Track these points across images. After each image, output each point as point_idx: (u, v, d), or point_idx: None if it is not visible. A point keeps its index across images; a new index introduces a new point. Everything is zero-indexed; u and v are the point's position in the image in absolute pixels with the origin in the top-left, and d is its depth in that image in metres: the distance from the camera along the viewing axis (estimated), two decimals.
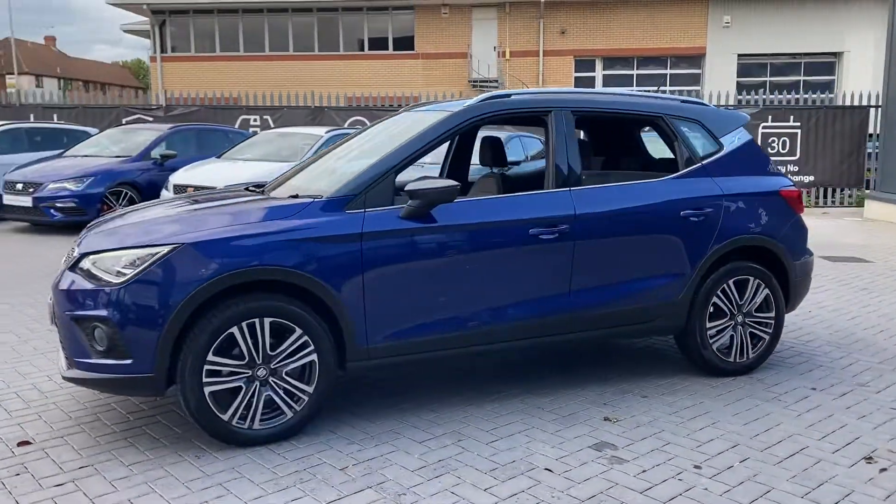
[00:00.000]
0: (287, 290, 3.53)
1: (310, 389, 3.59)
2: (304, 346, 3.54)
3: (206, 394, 3.39)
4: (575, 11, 27.08)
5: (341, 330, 3.61)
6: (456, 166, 5.31)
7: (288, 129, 12.50)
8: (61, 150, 12.49)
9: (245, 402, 3.48)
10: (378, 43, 28.48)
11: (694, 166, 4.56)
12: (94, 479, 3.19)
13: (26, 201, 10.62)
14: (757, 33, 26.48)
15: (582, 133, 5.71)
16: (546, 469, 3.32)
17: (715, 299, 4.46)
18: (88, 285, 3.42)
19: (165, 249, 3.38)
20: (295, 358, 3.54)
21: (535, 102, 4.32)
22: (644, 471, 3.31)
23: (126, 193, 10.88)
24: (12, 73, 69.67)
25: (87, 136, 13.21)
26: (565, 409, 4.06)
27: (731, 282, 4.50)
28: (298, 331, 3.51)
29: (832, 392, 4.35)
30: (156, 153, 11.45)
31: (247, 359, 3.46)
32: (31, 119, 15.57)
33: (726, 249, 4.47)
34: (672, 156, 4.68)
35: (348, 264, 3.59)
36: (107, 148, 11.91)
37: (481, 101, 4.19)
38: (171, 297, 3.31)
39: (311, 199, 3.72)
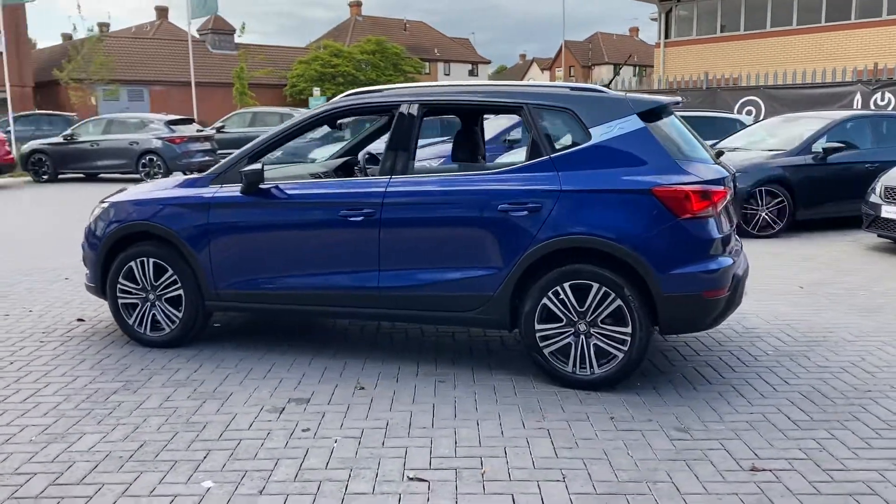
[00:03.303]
0: (163, 240, 4.96)
1: (179, 314, 4.98)
2: (174, 282, 4.94)
3: (120, 304, 5.08)
4: None
5: (196, 275, 4.89)
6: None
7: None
8: (715, 141, 10.67)
9: (141, 315, 5.04)
10: None
11: (539, 159, 4.30)
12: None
13: None
14: None
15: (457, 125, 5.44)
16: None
17: (546, 301, 4.21)
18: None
19: (100, 207, 5.17)
20: (169, 290, 4.97)
21: (385, 97, 4.72)
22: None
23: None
24: (597, 65, 78.54)
25: (742, 125, 12.03)
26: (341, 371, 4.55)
27: (566, 285, 4.16)
28: (170, 270, 4.94)
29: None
30: (818, 146, 9.73)
31: (140, 285, 5.03)
32: None
33: (550, 249, 4.16)
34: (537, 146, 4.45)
35: (200, 226, 4.83)
36: (763, 139, 10.56)
37: (343, 97, 4.83)
38: (103, 236, 5.07)
39: (203, 175, 5.03)
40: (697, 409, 3.98)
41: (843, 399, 4.11)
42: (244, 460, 3.38)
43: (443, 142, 10.92)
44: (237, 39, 45.95)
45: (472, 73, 62.02)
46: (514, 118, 10.60)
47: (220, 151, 17.47)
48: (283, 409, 3.98)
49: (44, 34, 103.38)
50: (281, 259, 4.71)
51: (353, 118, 5.37)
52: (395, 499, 3.03)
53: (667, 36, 30.55)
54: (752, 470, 3.29)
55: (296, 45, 53.91)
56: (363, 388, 4.27)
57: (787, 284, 6.87)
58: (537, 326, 4.25)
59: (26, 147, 18.78)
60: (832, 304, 6.14)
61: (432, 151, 10.30)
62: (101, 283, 5.15)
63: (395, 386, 4.31)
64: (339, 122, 5.34)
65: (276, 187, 4.71)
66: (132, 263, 5.01)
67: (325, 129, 6.77)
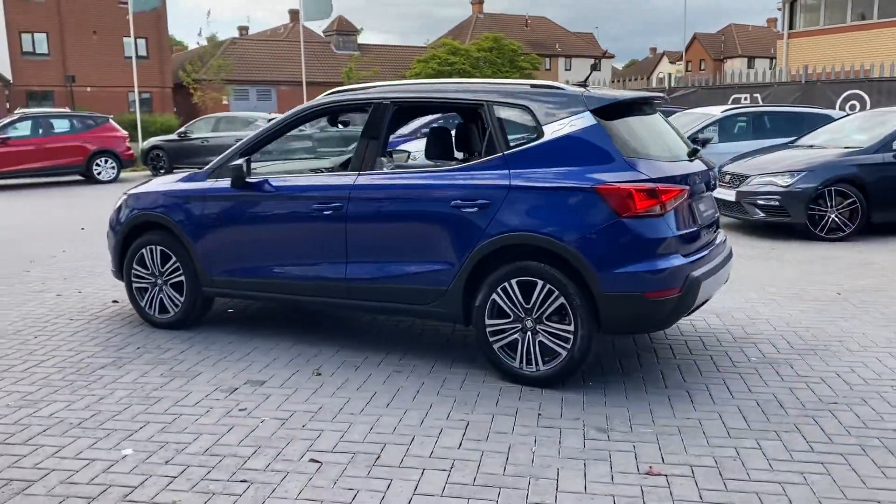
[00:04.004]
0: (167, 230, 5.37)
1: (182, 298, 5.38)
2: (177, 269, 5.35)
3: (134, 288, 5.54)
4: None
5: (194, 263, 5.26)
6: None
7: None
8: (794, 138, 10.64)
9: (151, 298, 5.48)
10: None
11: (493, 155, 4.35)
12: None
13: (730, 195, 9.41)
14: None
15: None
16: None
17: (495, 297, 4.26)
18: None
19: (122, 199, 5.66)
20: (173, 276, 5.37)
21: (358, 95, 4.89)
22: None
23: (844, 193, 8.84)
24: (729, 58, 75.23)
25: (829, 119, 11.36)
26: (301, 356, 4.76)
27: (513, 281, 4.20)
28: (174, 258, 5.34)
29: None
30: None
31: (150, 270, 5.47)
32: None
33: (498, 245, 4.20)
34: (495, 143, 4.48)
35: (195, 216, 5.20)
36: (845, 136, 9.90)
37: (324, 95, 5.05)
38: (121, 225, 5.55)
39: (203, 170, 5.40)
40: (635, 411, 3.91)
41: (799, 410, 3.91)
42: (172, 433, 3.66)
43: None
44: (360, 40, 47.46)
45: (594, 69, 60.60)
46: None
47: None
48: (236, 389, 4.25)
49: (193, 36, 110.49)
50: (264, 249, 4.99)
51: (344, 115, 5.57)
52: (280, 476, 3.21)
53: (791, 26, 28.89)
54: (646, 473, 3.22)
55: (416, 45, 54.92)
56: (319, 374, 4.47)
57: (824, 290, 6.49)
58: (487, 321, 4.30)
59: (146, 143, 20.34)
60: (859, 313, 5.75)
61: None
62: (119, 268, 5.63)
63: (351, 374, 4.48)
64: (339, 119, 5.58)
65: (262, 181, 4.99)
66: (143, 251, 5.45)
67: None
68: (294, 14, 61.73)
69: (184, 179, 5.41)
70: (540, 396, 4.10)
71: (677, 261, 4.06)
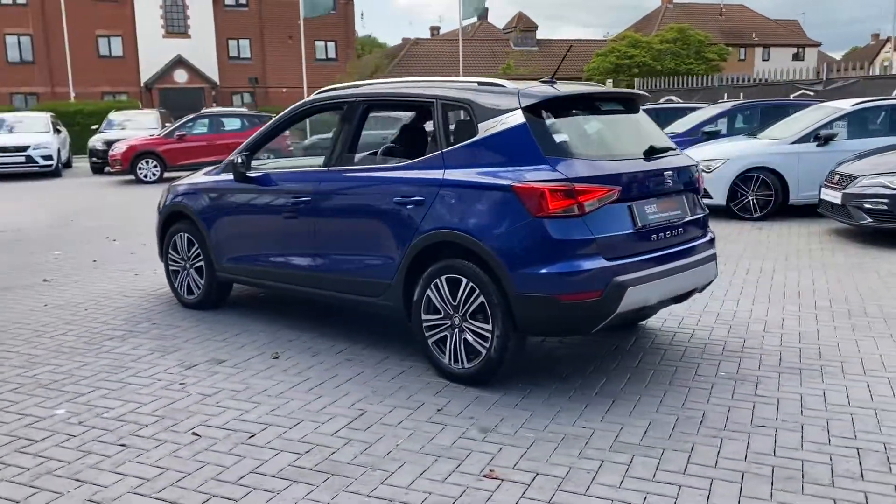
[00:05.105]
0: (190, 219, 5.91)
1: (202, 282, 5.91)
2: (199, 254, 5.88)
3: (170, 270, 6.17)
4: None
5: (209, 249, 5.76)
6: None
7: None
8: None
9: (181, 281, 6.09)
10: None
11: (434, 153, 4.39)
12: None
13: (836, 197, 8.61)
14: None
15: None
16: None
17: (429, 292, 4.32)
18: None
19: (166, 190, 6.29)
20: (196, 261, 5.91)
21: (337, 96, 5.09)
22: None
23: None
24: None
25: None
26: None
27: (443, 278, 4.24)
28: (196, 245, 5.88)
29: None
30: None
31: (180, 255, 6.05)
32: None
33: (428, 242, 4.25)
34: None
35: (208, 207, 5.70)
36: None
37: (315, 94, 5.31)
38: (160, 213, 6.20)
39: (220, 165, 5.88)
40: (538, 415, 3.81)
41: (715, 431, 3.61)
42: (108, 399, 4.11)
43: None
44: (538, 36, 47.45)
45: (796, 58, 56.18)
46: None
47: None
48: (195, 366, 4.65)
49: (391, 34, 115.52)
50: (256, 239, 5.39)
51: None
52: (155, 444, 3.53)
53: None
54: (483, 475, 3.18)
55: (596, 39, 53.89)
56: (276, 357, 4.77)
57: (884, 307, 5.79)
58: (424, 317, 4.36)
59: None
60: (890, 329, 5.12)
61: None
62: (161, 252, 6.28)
63: (305, 359, 4.73)
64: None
65: (259, 176, 5.36)
66: (176, 237, 6.04)
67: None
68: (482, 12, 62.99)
69: (206, 173, 5.93)
70: (457, 393, 4.11)
71: (597, 263, 3.89)
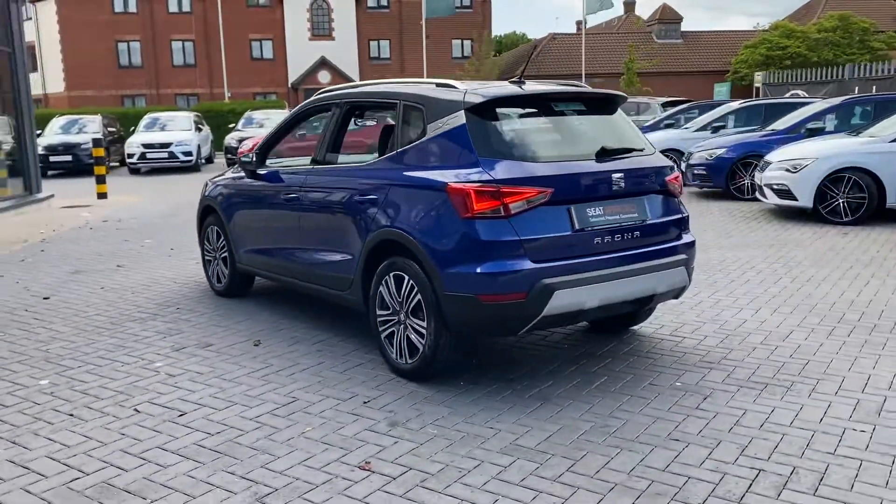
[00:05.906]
0: (216, 213, 6.35)
1: (227, 271, 6.35)
2: (224, 246, 6.33)
3: (205, 260, 6.67)
4: None
5: (230, 242, 6.18)
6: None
7: None
8: None
9: (213, 270, 6.57)
10: None
11: (392, 152, 4.50)
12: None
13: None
14: None
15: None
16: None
17: (381, 288, 4.46)
18: None
19: (204, 185, 6.79)
20: (223, 252, 6.36)
21: (326, 98, 5.30)
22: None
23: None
24: None
25: None
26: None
27: (391, 275, 4.36)
28: (223, 237, 6.33)
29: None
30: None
31: (212, 246, 6.53)
32: None
33: (378, 239, 4.38)
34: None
35: (228, 202, 6.12)
36: None
37: (313, 97, 5.56)
38: (198, 207, 6.71)
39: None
40: (455, 413, 3.85)
41: (619, 441, 3.50)
42: (88, 374, 4.56)
43: None
44: (683, 28, 45.73)
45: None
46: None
47: None
48: (183, 348, 5.04)
49: (539, 31, 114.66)
50: (262, 233, 5.73)
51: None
52: (95, 415, 3.90)
53: None
54: (359, 466, 3.29)
55: (745, 30, 50.91)
56: (257, 345, 5.06)
57: None
58: (377, 311, 4.50)
59: None
60: None
61: None
62: (199, 242, 6.79)
63: (282, 347, 5.00)
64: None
65: (266, 174, 5.70)
66: (208, 229, 6.52)
67: None
68: (628, 6, 61.40)
69: (234, 171, 6.35)
70: (395, 388, 4.21)
71: (522, 265, 3.86)
